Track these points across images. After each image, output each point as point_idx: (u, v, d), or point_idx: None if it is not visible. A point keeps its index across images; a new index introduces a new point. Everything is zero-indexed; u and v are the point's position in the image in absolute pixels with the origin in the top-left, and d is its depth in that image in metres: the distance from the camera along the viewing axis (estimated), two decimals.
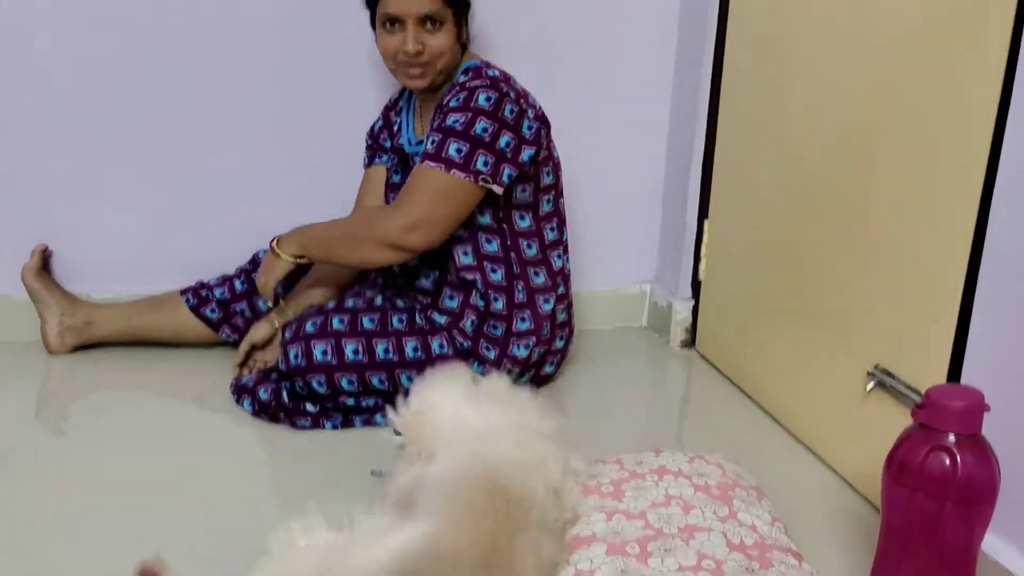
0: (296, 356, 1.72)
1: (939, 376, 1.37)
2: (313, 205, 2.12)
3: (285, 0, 2.00)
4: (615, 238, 2.26)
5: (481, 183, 1.68)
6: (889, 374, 1.48)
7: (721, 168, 2.02)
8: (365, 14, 1.79)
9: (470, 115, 1.68)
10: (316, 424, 1.74)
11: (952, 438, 1.14)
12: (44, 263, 2.02)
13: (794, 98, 1.73)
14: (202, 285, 2.02)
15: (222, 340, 2.01)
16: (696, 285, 2.13)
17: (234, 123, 2.05)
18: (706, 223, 2.07)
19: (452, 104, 1.70)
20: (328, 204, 2.11)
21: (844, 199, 1.59)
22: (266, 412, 1.75)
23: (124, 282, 2.07)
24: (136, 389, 1.90)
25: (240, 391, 1.80)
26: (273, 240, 1.82)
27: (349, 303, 1.82)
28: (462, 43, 1.78)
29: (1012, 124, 1.23)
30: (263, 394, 1.75)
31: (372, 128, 1.99)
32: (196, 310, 1.99)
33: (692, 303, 2.14)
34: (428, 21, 1.70)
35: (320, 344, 1.72)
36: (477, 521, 1.14)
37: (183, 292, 2.01)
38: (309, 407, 1.74)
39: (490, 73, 1.74)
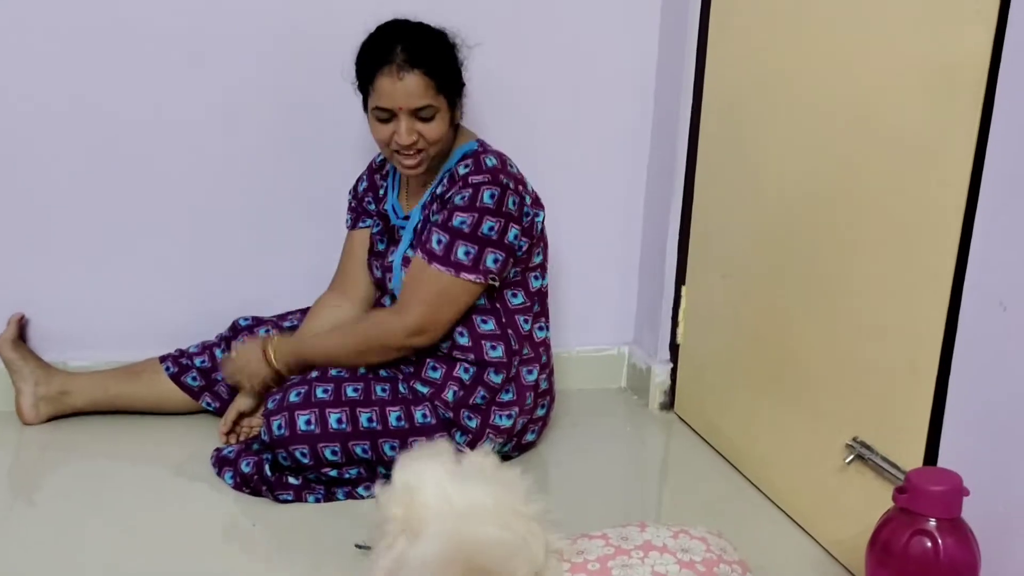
0: (280, 427, 1.71)
1: (917, 452, 1.39)
2: (290, 272, 2.13)
3: (268, 78, 2.02)
4: (594, 300, 2.28)
5: (490, 281, 1.73)
6: (867, 447, 1.50)
7: (698, 236, 2.06)
8: (348, 90, 1.80)
9: (476, 216, 1.71)
10: (298, 497, 1.72)
11: (933, 522, 1.16)
12: (20, 332, 2.00)
13: (769, 166, 1.77)
14: (182, 353, 2.00)
15: (201, 408, 1.99)
16: (674, 348, 2.16)
17: (212, 192, 2.05)
18: (683, 289, 2.11)
19: (457, 202, 1.72)
20: (304, 274, 2.11)
21: (819, 268, 1.62)
22: (248, 485, 1.74)
23: (101, 349, 2.05)
24: (112, 460, 1.87)
25: (221, 463, 1.79)
26: (268, 345, 1.81)
27: (332, 372, 1.82)
28: (455, 123, 1.80)
29: (984, 195, 1.26)
30: (245, 467, 1.74)
31: (355, 188, 1.97)
32: (176, 378, 1.97)
33: (671, 366, 2.16)
34: (421, 111, 1.71)
35: (304, 414, 1.72)
36: None
37: (162, 360, 1.99)
38: (291, 480, 1.73)
39: (488, 164, 1.75)
